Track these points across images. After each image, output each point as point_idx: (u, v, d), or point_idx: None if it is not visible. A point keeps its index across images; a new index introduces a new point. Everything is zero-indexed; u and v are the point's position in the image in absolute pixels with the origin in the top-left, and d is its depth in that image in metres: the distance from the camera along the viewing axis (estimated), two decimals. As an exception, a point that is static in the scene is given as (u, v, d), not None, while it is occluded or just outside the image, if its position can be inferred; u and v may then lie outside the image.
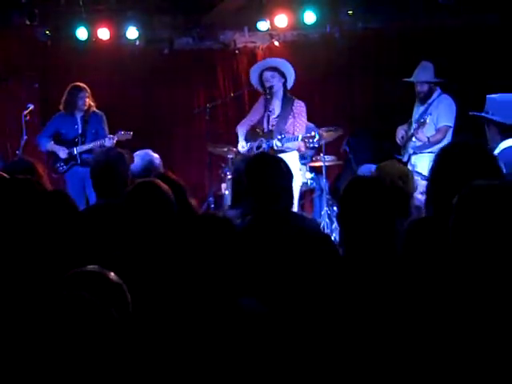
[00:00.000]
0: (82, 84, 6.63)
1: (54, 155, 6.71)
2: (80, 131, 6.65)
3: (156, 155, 6.42)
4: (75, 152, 6.60)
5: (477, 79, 7.05)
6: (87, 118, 6.66)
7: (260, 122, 6.44)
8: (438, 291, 2.06)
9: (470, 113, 4.09)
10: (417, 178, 4.18)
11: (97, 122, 6.66)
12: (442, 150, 2.81)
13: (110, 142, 6.46)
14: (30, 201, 2.21)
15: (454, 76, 6.67)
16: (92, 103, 6.65)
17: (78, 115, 6.66)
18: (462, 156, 2.63)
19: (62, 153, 6.63)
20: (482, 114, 3.96)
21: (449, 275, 2.05)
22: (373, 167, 5.67)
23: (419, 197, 3.91)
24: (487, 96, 4.03)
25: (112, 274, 1.98)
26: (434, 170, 2.72)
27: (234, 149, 6.61)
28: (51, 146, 6.68)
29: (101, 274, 1.96)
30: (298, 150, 6.23)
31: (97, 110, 6.71)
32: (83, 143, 6.61)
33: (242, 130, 6.47)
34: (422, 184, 4.01)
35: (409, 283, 2.31)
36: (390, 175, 3.74)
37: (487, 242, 1.95)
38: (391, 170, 3.89)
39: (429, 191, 2.77)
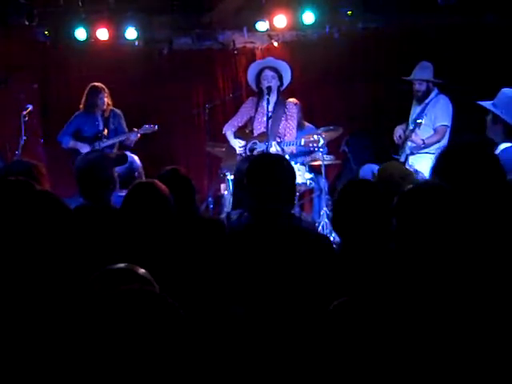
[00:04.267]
0: (99, 84, 6.80)
1: (75, 152, 6.79)
2: (101, 128, 6.81)
3: (135, 156, 6.48)
4: (98, 147, 6.74)
5: (476, 79, 7.04)
6: (107, 116, 6.83)
7: (250, 123, 6.44)
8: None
9: (477, 102, 3.99)
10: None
11: (116, 120, 6.84)
12: (444, 151, 2.75)
13: (135, 135, 6.66)
14: (18, 202, 2.20)
15: (453, 76, 6.68)
16: (110, 102, 6.83)
17: (98, 113, 6.82)
18: (465, 157, 2.58)
19: (85, 149, 6.74)
20: (491, 109, 3.87)
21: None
22: (374, 167, 5.69)
23: None
24: (502, 89, 3.94)
25: (141, 269, 1.97)
26: (436, 171, 2.68)
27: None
28: (73, 143, 6.83)
29: (130, 271, 1.96)
30: (291, 152, 6.23)
31: (115, 109, 6.88)
32: (106, 138, 6.76)
33: (230, 132, 6.47)
34: None
35: (404, 287, 2.31)
36: (392, 175, 3.71)
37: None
38: (393, 170, 3.86)
39: None
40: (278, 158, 3.35)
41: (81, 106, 6.84)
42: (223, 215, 4.30)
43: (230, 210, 4.25)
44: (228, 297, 2.30)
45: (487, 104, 3.93)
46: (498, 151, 3.68)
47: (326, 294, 2.37)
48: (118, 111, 6.90)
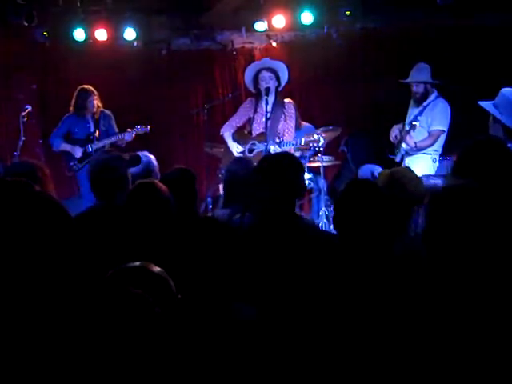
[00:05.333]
0: (89, 87, 6.78)
1: (67, 155, 6.83)
2: (92, 129, 6.81)
3: (152, 156, 6.48)
4: (90, 149, 6.74)
5: (476, 80, 7.05)
6: (98, 118, 6.82)
7: (249, 124, 6.43)
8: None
9: (479, 102, 4.03)
10: (437, 181, 4.11)
11: (106, 121, 6.84)
12: (467, 149, 2.70)
13: (129, 136, 6.66)
14: (15, 203, 2.20)
15: (452, 76, 6.68)
16: (100, 104, 6.82)
17: (89, 115, 6.81)
18: (489, 154, 2.54)
19: (77, 151, 6.76)
20: (489, 109, 3.90)
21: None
22: (373, 167, 5.69)
23: None
24: (502, 89, 3.97)
25: (154, 266, 1.98)
26: (458, 168, 2.63)
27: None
28: (64, 145, 6.82)
29: (144, 268, 1.96)
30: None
31: (105, 110, 6.87)
32: (97, 140, 6.76)
33: (228, 133, 6.46)
34: None
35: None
36: (402, 179, 3.65)
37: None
38: (406, 174, 3.80)
39: None
40: (291, 158, 3.33)
41: (71, 109, 6.81)
42: (209, 214, 4.31)
43: (219, 208, 4.27)
44: (236, 297, 2.30)
45: (486, 105, 3.95)
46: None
47: (331, 293, 2.36)
48: (108, 112, 6.89)
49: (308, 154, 6.64)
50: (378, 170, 5.47)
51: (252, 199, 3.28)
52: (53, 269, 2.17)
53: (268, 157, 3.52)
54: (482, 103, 3.98)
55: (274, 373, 2.12)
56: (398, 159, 6.20)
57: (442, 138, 6.11)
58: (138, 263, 1.99)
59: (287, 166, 3.19)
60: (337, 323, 2.22)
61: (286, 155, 3.45)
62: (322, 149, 6.07)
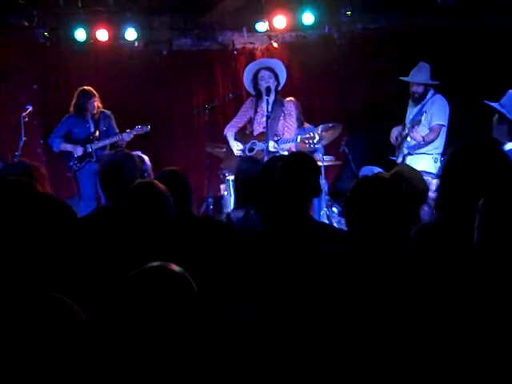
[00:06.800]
0: (90, 88, 6.82)
1: (67, 154, 6.85)
2: (92, 129, 6.83)
3: (145, 156, 6.51)
4: (90, 149, 6.76)
5: (476, 80, 7.05)
6: (97, 118, 6.84)
7: (250, 124, 6.44)
8: (445, 297, 2.03)
9: (485, 101, 4.02)
10: (427, 177, 4.12)
11: (106, 121, 6.87)
12: (456, 150, 2.69)
13: (128, 136, 6.70)
14: (19, 203, 2.19)
15: (452, 76, 6.68)
16: (100, 105, 6.85)
17: (88, 116, 6.84)
18: (477, 155, 2.52)
19: (78, 150, 6.78)
20: (498, 108, 3.90)
21: (462, 279, 2.02)
22: (374, 169, 5.68)
23: (432, 195, 3.90)
24: (509, 90, 3.97)
25: (174, 266, 1.96)
26: (447, 170, 2.61)
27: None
28: (64, 145, 6.85)
29: (164, 268, 1.94)
30: (289, 150, 6.22)
31: (105, 110, 6.90)
32: (97, 140, 6.78)
33: (230, 133, 6.47)
34: (433, 182, 3.98)
35: (413, 290, 2.26)
36: (408, 178, 3.64)
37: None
38: (409, 173, 3.78)
39: (441, 192, 2.65)
40: (311, 158, 3.34)
41: (71, 109, 6.84)
42: (223, 216, 4.31)
43: (232, 209, 4.26)
44: (245, 296, 2.29)
45: (494, 104, 3.95)
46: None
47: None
48: (108, 112, 6.91)
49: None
50: (379, 171, 5.46)
51: (265, 198, 3.30)
52: (57, 268, 2.17)
53: (290, 156, 3.53)
54: (489, 102, 3.98)
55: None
56: (399, 160, 6.20)
57: (443, 133, 6.12)
58: (157, 263, 1.95)
59: (311, 165, 3.22)
60: (351, 323, 2.18)
61: (307, 156, 3.46)
62: (318, 145, 6.08)
